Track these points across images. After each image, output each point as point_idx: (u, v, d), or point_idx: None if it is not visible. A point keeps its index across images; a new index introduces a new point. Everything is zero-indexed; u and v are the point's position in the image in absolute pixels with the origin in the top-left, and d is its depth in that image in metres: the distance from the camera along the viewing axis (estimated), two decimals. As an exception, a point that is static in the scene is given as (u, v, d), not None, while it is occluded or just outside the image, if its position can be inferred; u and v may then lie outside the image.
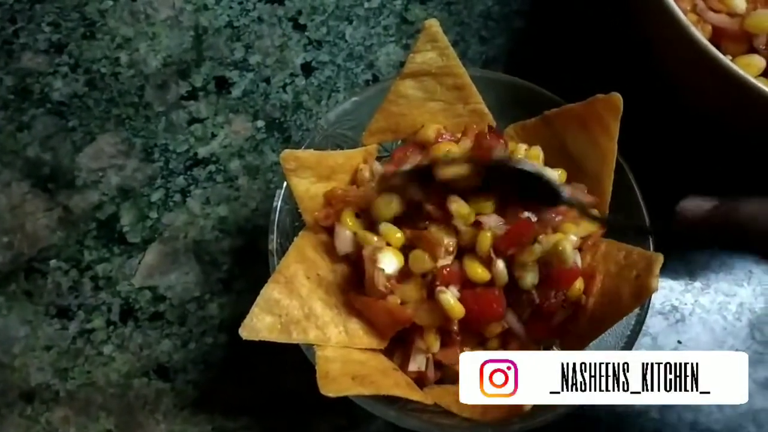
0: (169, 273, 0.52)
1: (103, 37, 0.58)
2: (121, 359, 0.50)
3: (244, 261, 0.52)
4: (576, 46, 0.59)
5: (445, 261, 0.42)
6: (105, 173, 0.54)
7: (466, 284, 0.42)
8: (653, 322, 0.53)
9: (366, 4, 0.61)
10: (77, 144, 0.55)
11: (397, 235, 0.43)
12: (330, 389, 0.38)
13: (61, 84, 0.57)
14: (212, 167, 0.55)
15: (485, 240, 0.42)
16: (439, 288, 0.41)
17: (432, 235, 0.42)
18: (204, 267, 0.52)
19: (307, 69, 0.58)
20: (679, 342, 0.52)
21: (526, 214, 0.43)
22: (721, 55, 0.43)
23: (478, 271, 0.42)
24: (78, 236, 0.52)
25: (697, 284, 0.54)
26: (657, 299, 0.53)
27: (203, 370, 0.50)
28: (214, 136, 0.56)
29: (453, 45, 0.59)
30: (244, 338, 0.40)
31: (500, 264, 0.42)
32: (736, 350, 0.52)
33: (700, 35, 0.43)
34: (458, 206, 0.42)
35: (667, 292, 0.54)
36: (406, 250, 0.43)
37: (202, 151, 0.55)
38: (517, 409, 0.39)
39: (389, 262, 0.42)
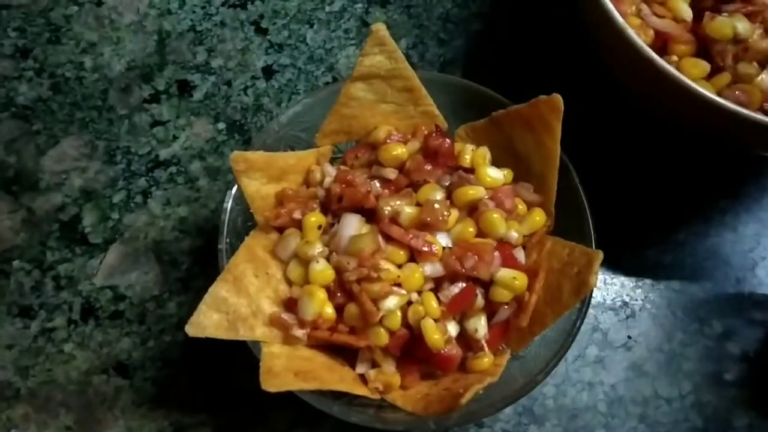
0: (130, 272, 0.53)
1: (68, 42, 0.59)
2: (81, 357, 0.51)
3: (202, 260, 0.53)
4: (532, 47, 0.60)
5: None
6: (68, 175, 0.55)
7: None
8: (604, 318, 0.54)
9: (327, 8, 0.62)
10: (41, 147, 0.56)
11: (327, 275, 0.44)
12: (271, 384, 0.39)
13: (26, 88, 0.58)
14: (173, 169, 0.56)
15: (434, 310, 0.43)
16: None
17: (367, 306, 0.42)
18: (163, 267, 0.53)
19: (268, 72, 0.59)
20: (629, 337, 0.53)
21: None
22: (657, 57, 0.44)
23: (435, 338, 0.42)
24: (41, 237, 0.54)
25: (648, 280, 0.55)
26: (608, 295, 0.54)
27: (161, 367, 0.51)
28: (175, 138, 0.57)
29: (412, 47, 0.61)
30: (190, 335, 0.41)
31: (453, 327, 0.44)
32: (685, 345, 0.53)
33: (637, 38, 0.44)
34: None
35: (618, 288, 0.55)
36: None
37: (164, 153, 0.56)
38: (455, 403, 0.40)
39: (307, 309, 0.43)
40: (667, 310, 0.54)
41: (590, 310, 0.54)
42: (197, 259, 0.53)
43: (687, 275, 0.55)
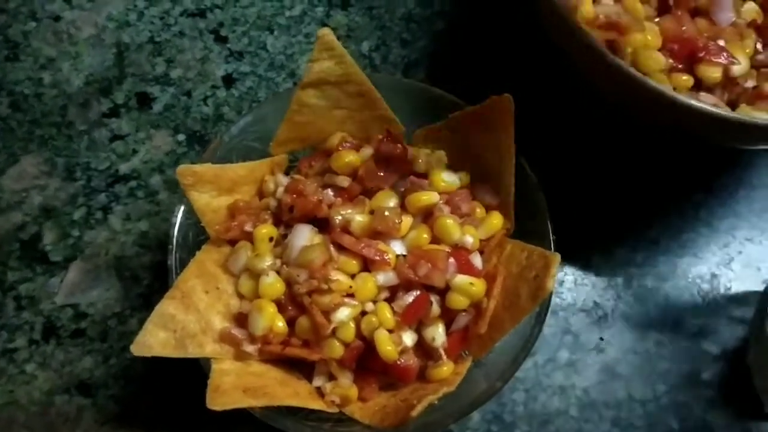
0: (91, 290, 0.52)
1: (26, 59, 0.59)
2: (42, 377, 0.50)
3: (163, 276, 0.52)
4: (497, 45, 0.59)
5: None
6: (28, 194, 0.55)
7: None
8: (575, 320, 0.52)
9: (287, 13, 0.61)
10: (0, 166, 0.56)
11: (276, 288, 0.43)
12: (217, 403, 0.38)
13: (-16, 108, 0.58)
14: (133, 183, 0.55)
15: (388, 321, 0.42)
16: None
17: (317, 318, 0.41)
18: (125, 283, 0.53)
19: (228, 80, 0.59)
20: (602, 339, 0.52)
21: None
22: (607, 51, 0.43)
23: (388, 349, 0.42)
24: (1, 257, 0.53)
25: (620, 280, 0.53)
26: (579, 297, 0.53)
27: (124, 385, 0.50)
28: (135, 152, 0.56)
29: (375, 49, 0.60)
30: (135, 354, 0.40)
31: (410, 337, 0.43)
32: (659, 345, 0.52)
33: (587, 30, 0.43)
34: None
35: (589, 289, 0.53)
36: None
37: (124, 168, 0.56)
38: (406, 416, 0.39)
39: (257, 324, 0.42)
40: (641, 310, 0.53)
41: (560, 312, 0.53)
42: (158, 274, 0.53)
43: (660, 273, 0.54)
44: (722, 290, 0.53)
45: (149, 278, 0.53)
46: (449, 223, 0.43)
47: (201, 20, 0.60)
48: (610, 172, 0.56)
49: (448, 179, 0.45)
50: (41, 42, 0.60)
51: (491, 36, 0.60)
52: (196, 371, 0.46)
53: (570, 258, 0.53)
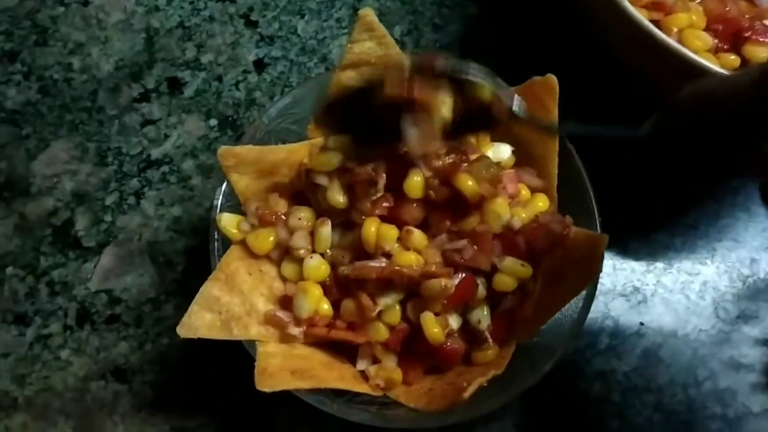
0: (125, 275, 0.52)
1: (55, 44, 0.58)
2: (78, 363, 0.50)
3: (198, 260, 0.52)
4: (530, 28, 0.58)
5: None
6: (59, 179, 0.54)
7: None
8: (615, 305, 0.52)
9: (318, -3, 0.60)
10: (31, 151, 0.55)
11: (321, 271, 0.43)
12: (266, 385, 0.38)
13: (14, 92, 0.57)
14: (166, 168, 0.55)
15: (436, 305, 0.42)
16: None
17: (363, 300, 0.41)
18: (159, 268, 0.52)
19: (260, 65, 0.58)
20: (642, 324, 0.51)
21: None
22: (654, 28, 0.42)
23: (435, 331, 0.41)
24: (34, 243, 0.53)
25: (659, 264, 0.53)
26: (618, 281, 0.52)
27: (159, 370, 0.50)
28: (167, 137, 0.56)
29: (406, 34, 0.60)
30: (181, 336, 0.40)
31: (455, 320, 0.42)
32: (700, 330, 0.51)
33: (632, 8, 0.42)
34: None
35: (628, 273, 0.53)
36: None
37: (156, 153, 0.55)
38: (458, 398, 0.38)
39: (302, 307, 0.42)
40: (680, 295, 0.52)
41: (600, 297, 0.52)
42: (193, 259, 0.52)
43: (700, 257, 0.53)
44: (762, 275, 0.53)
45: (183, 263, 0.52)
46: (499, 203, 0.43)
47: (231, 5, 0.60)
48: (647, 158, 0.55)
49: (499, 149, 0.45)
50: (70, 27, 0.59)
51: (525, 19, 0.59)
52: (231, 357, 0.46)
53: (608, 242, 0.53)
